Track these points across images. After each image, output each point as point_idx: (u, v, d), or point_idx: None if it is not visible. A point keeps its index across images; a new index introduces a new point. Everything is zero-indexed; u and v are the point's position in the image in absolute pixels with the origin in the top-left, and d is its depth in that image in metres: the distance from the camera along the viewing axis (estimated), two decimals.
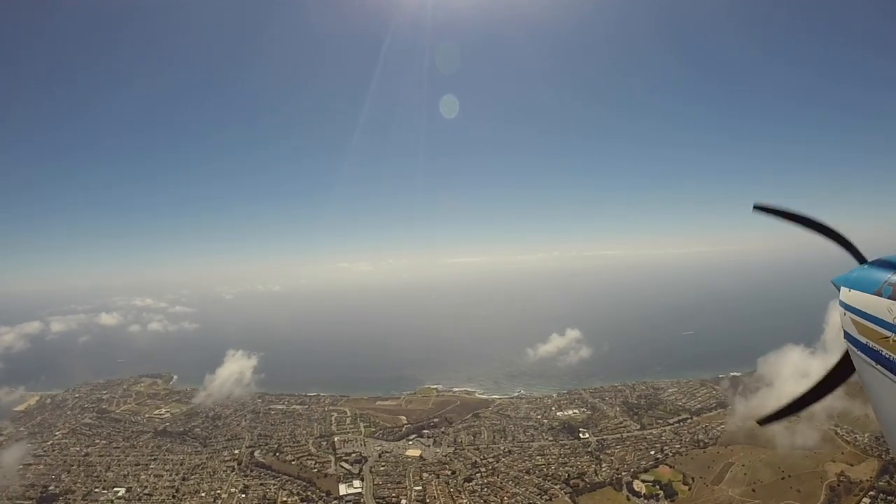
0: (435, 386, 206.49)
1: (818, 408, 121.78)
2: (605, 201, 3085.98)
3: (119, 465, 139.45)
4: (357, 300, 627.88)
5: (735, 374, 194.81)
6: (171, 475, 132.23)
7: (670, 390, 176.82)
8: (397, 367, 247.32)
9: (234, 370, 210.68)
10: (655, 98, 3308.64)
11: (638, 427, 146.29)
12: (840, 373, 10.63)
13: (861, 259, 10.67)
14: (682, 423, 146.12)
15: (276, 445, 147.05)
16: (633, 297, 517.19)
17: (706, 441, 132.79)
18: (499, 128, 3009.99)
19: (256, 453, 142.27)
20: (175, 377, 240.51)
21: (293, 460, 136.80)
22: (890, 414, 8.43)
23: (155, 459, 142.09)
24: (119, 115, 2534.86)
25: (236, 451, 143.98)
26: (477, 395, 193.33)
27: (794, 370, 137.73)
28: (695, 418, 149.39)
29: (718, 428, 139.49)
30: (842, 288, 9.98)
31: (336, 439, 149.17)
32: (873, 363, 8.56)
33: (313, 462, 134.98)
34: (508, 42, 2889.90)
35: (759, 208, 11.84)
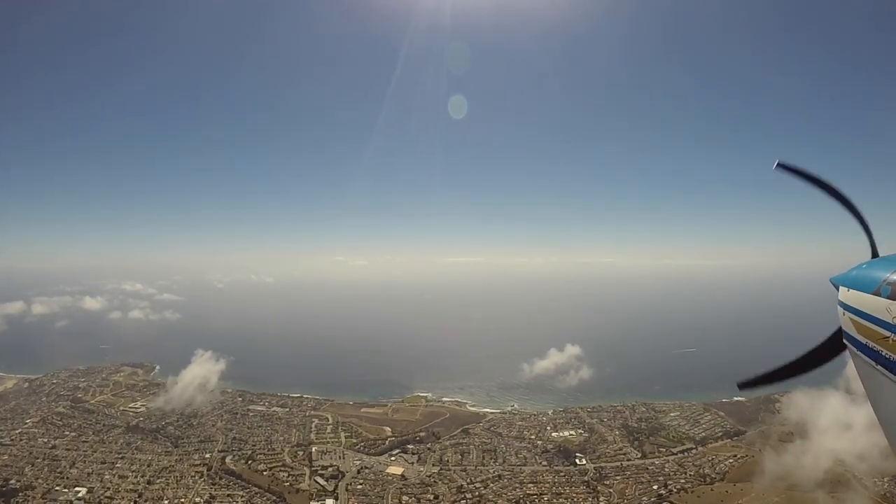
0: (424, 394, 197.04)
1: (864, 467, 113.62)
2: (606, 209, 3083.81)
3: (85, 461, 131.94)
4: (350, 295, 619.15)
5: (739, 398, 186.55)
6: (136, 477, 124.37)
7: (672, 414, 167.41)
8: (386, 370, 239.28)
9: (199, 374, 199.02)
10: (663, 107, 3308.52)
11: (639, 455, 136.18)
12: (829, 349, 10.70)
13: (874, 252, 10.72)
14: (686, 454, 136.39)
15: (249, 452, 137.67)
16: (630, 307, 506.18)
17: (713, 476, 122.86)
18: (504, 130, 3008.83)
19: (228, 459, 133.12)
20: (157, 367, 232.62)
21: (265, 470, 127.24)
22: (890, 414, 8.41)
23: (122, 458, 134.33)
24: (122, 101, 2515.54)
25: (207, 456, 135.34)
26: (468, 408, 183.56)
27: (833, 420, 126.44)
28: (700, 448, 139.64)
29: (726, 462, 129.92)
30: (840, 287, 10.14)
31: (314, 449, 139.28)
32: (873, 363, 8.53)
33: (286, 474, 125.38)
34: (517, 47, 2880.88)
35: (782, 166, 11.30)
